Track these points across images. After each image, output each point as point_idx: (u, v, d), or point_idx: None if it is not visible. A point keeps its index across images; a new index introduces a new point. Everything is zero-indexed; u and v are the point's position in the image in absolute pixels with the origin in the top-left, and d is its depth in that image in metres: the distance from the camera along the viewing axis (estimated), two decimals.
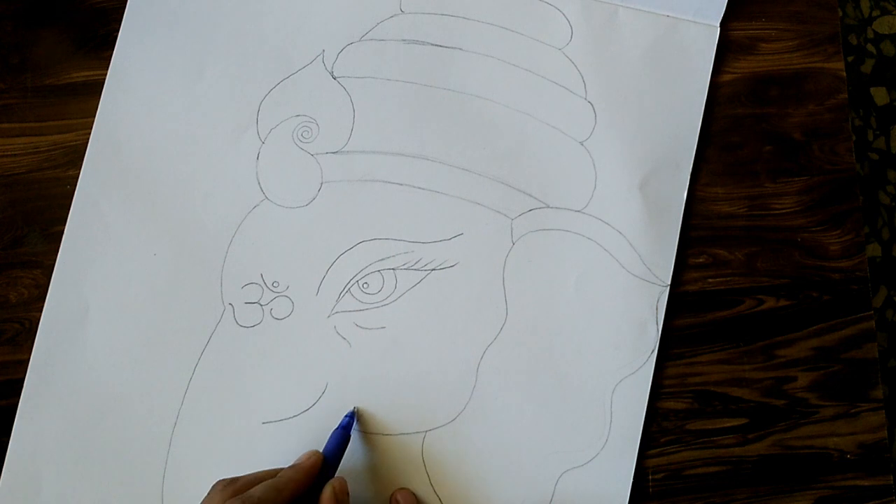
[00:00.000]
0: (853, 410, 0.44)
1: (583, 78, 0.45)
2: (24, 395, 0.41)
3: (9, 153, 0.44)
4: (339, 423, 0.40)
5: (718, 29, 0.45)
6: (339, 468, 0.40)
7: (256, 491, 0.34)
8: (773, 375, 0.44)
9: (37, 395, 0.41)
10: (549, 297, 0.43)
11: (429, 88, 0.45)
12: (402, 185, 0.44)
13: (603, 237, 0.43)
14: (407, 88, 0.45)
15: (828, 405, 0.44)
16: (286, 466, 0.37)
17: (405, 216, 0.43)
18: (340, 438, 0.39)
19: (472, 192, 0.44)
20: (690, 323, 0.44)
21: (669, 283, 0.43)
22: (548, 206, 0.44)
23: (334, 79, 0.44)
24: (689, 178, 0.44)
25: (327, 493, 0.35)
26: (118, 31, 0.45)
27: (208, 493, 0.34)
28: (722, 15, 0.45)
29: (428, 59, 0.45)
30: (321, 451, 0.39)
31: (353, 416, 0.41)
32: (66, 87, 0.45)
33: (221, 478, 0.35)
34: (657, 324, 0.43)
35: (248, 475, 0.36)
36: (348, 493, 0.37)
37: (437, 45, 0.45)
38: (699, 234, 0.45)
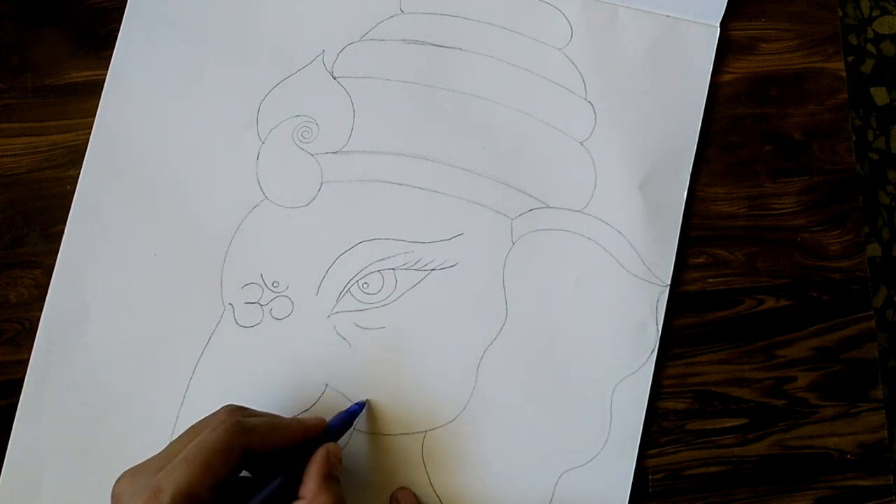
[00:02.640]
0: (853, 410, 0.44)
1: (583, 78, 0.45)
2: (24, 395, 0.41)
3: (9, 153, 0.44)
4: (348, 407, 0.40)
5: (718, 29, 0.45)
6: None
7: (256, 420, 0.35)
8: (773, 375, 0.44)
9: (37, 395, 0.41)
10: (549, 297, 0.43)
11: (429, 88, 0.45)
12: (402, 185, 0.44)
13: (603, 237, 0.43)
14: (407, 88, 0.45)
15: (828, 405, 0.44)
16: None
17: (405, 216, 0.43)
18: (346, 418, 0.39)
19: (472, 192, 0.44)
20: (690, 323, 0.44)
21: (669, 283, 0.43)
22: (548, 206, 0.44)
23: (334, 79, 0.44)
24: (689, 178, 0.44)
25: (321, 452, 0.36)
26: (118, 31, 0.45)
27: (218, 410, 0.35)
28: (722, 15, 0.45)
29: (428, 59, 0.45)
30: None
31: (363, 407, 0.41)
32: (66, 87, 0.45)
33: None
34: (657, 324, 0.43)
35: (257, 411, 0.37)
36: (341, 460, 0.37)
37: (437, 45, 0.45)
38: (699, 234, 0.45)
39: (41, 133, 0.44)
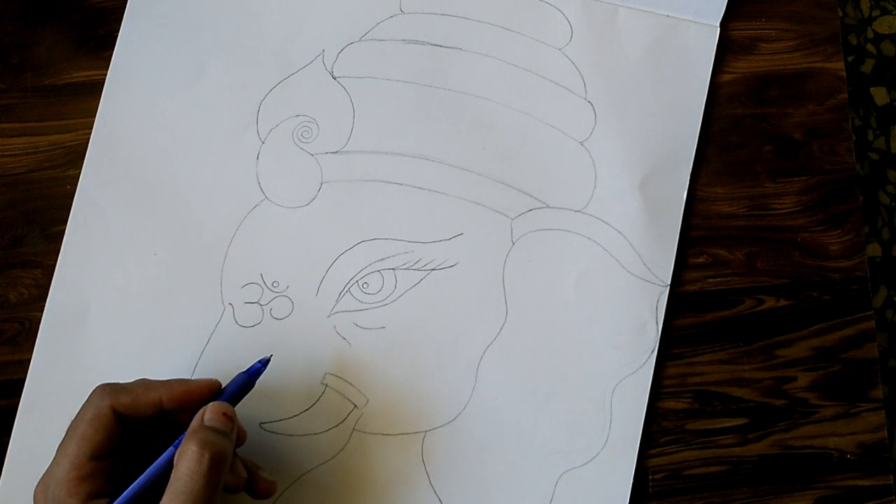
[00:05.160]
0: (853, 410, 0.44)
1: (583, 78, 0.45)
2: (24, 395, 0.41)
3: (9, 153, 0.44)
4: (250, 365, 0.38)
5: (718, 29, 0.45)
6: (336, 462, 0.40)
7: (127, 383, 0.35)
8: (773, 375, 0.44)
9: (37, 395, 0.41)
10: (549, 297, 0.43)
11: (429, 88, 0.45)
12: (402, 185, 0.44)
13: (603, 237, 0.43)
14: (407, 88, 0.45)
15: (828, 405, 0.44)
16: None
17: (405, 216, 0.43)
18: (246, 380, 0.37)
19: (472, 192, 0.44)
20: (690, 323, 0.44)
21: (669, 283, 0.43)
22: (548, 206, 0.44)
23: (334, 79, 0.44)
24: (689, 178, 0.44)
25: (198, 413, 0.34)
26: (118, 31, 0.45)
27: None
28: (722, 15, 0.45)
29: (428, 59, 0.45)
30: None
31: (266, 364, 0.38)
32: (66, 87, 0.45)
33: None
34: (657, 324, 0.43)
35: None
36: (231, 419, 0.34)
37: (437, 45, 0.45)
38: (699, 234, 0.45)
39: (41, 133, 0.44)
